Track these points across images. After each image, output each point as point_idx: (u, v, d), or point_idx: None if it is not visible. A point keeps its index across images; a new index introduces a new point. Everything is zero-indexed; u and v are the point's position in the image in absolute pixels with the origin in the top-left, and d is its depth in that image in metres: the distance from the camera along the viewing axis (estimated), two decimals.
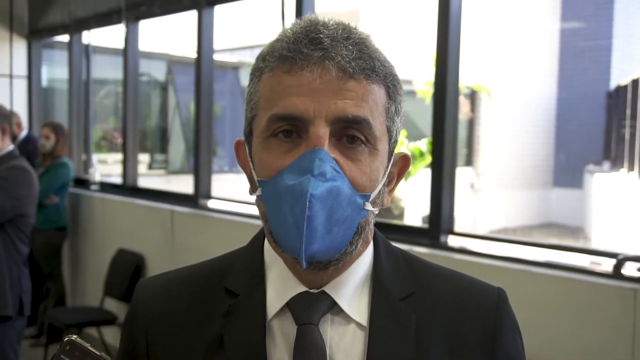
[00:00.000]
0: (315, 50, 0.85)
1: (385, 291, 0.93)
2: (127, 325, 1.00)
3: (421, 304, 0.94)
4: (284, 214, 0.85)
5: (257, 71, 0.91)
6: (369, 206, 0.88)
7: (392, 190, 0.96)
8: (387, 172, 0.93)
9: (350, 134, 0.86)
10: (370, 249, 0.96)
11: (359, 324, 0.92)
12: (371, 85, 0.87)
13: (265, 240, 0.97)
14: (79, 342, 0.81)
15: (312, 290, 0.91)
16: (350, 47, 0.86)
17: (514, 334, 0.96)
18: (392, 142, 0.92)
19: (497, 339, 0.93)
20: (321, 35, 0.85)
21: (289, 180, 0.84)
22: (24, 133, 5.61)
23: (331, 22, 0.88)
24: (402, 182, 0.98)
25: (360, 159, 0.87)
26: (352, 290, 0.93)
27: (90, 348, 0.81)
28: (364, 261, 0.95)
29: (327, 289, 0.91)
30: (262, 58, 0.91)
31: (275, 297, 0.93)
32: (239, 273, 0.97)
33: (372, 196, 0.89)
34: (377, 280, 0.94)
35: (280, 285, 0.93)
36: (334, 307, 0.91)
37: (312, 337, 0.89)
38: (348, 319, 0.92)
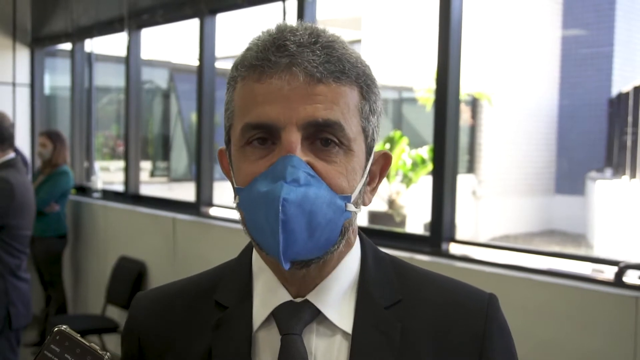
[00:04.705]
0: (282, 57, 0.85)
1: (371, 299, 0.93)
2: (124, 338, 1.02)
3: (408, 312, 0.92)
4: (260, 222, 0.85)
5: (232, 80, 0.92)
6: (351, 207, 0.88)
7: (374, 189, 0.96)
8: (367, 171, 0.92)
9: (323, 137, 0.86)
10: (357, 255, 0.96)
11: (345, 333, 0.91)
12: (341, 88, 0.87)
13: (254, 251, 0.98)
14: (68, 332, 0.82)
15: (296, 300, 0.91)
16: (318, 52, 0.86)
17: (504, 339, 0.94)
18: (369, 141, 0.92)
19: (485, 344, 0.91)
20: (287, 42, 0.86)
21: (261, 187, 0.85)
22: None
23: (300, 28, 0.88)
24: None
25: (335, 160, 0.87)
26: (337, 297, 0.92)
27: (79, 338, 0.82)
28: (350, 267, 0.94)
29: (310, 297, 0.91)
30: (235, 67, 0.91)
31: (261, 307, 0.93)
32: (228, 285, 0.97)
33: (353, 197, 0.88)
34: (363, 288, 0.93)
35: (265, 294, 0.93)
36: (318, 316, 0.91)
37: (295, 347, 0.88)
38: (333, 327, 0.91)
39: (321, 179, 0.86)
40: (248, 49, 0.90)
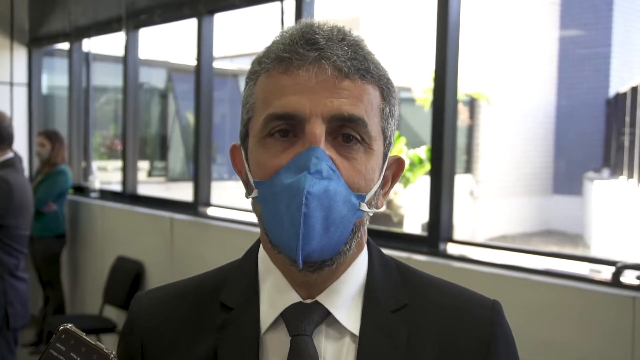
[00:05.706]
0: (311, 51, 0.85)
1: (377, 303, 0.92)
2: (124, 337, 1.00)
3: (413, 316, 0.92)
4: (280, 213, 0.84)
5: (254, 75, 0.91)
6: (364, 207, 0.88)
7: (386, 193, 0.96)
8: (382, 174, 0.92)
9: (346, 132, 0.87)
10: (365, 259, 0.96)
11: (353, 335, 0.91)
12: (366, 86, 0.88)
13: (260, 251, 0.97)
14: (74, 330, 0.82)
15: (306, 301, 0.91)
16: (346, 48, 0.87)
17: (508, 346, 0.95)
18: (387, 144, 0.92)
19: (490, 350, 0.92)
20: (317, 36, 0.86)
21: (285, 179, 0.84)
22: None
23: (326, 25, 0.89)
24: (395, 186, 0.98)
25: (355, 157, 0.87)
26: (346, 300, 0.92)
27: (85, 337, 0.81)
28: (359, 270, 0.94)
29: (320, 298, 0.91)
30: (258, 61, 0.91)
31: (269, 309, 0.92)
32: (233, 286, 0.96)
33: (368, 197, 0.88)
34: (370, 291, 0.93)
35: (274, 296, 0.92)
36: (327, 317, 0.90)
37: (306, 348, 0.88)
38: (342, 330, 0.91)
39: (340, 174, 0.85)
40: (273, 42, 0.90)
